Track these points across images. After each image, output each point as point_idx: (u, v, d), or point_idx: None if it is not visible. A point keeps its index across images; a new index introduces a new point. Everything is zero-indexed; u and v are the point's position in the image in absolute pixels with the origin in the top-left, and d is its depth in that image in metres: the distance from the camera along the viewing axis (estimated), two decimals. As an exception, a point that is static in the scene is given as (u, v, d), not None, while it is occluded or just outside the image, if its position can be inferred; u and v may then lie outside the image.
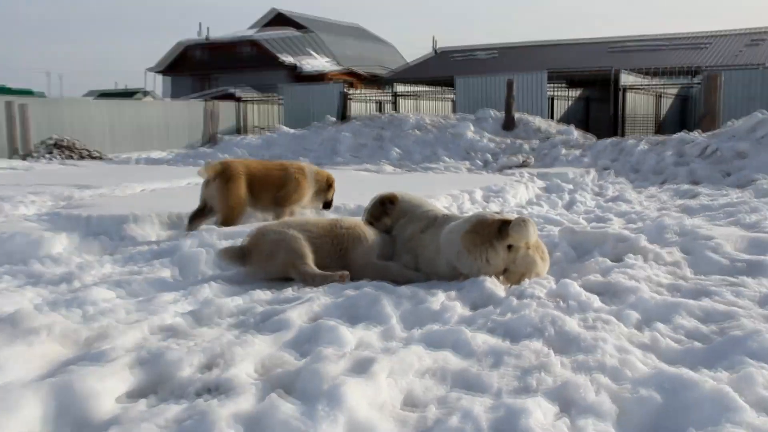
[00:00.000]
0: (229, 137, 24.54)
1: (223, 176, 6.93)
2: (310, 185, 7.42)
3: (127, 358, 3.10)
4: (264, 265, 5.03)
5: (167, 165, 19.32)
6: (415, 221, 5.28)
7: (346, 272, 4.83)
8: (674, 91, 29.97)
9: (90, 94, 60.74)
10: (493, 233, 4.63)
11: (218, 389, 2.89)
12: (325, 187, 7.55)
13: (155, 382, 3.00)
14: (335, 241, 5.16)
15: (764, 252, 5.59)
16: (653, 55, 36.71)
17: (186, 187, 11.06)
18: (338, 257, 5.12)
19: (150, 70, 55.92)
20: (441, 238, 4.88)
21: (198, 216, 7.07)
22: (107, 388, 2.83)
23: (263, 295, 4.58)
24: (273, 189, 7.16)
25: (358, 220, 5.51)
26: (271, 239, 5.04)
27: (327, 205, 7.61)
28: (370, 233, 5.23)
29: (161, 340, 3.58)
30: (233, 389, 2.85)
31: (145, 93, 59.62)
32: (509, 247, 4.64)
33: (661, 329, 3.70)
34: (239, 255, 5.15)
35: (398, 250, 5.28)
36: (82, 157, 22.30)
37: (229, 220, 6.86)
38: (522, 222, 4.56)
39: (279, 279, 4.97)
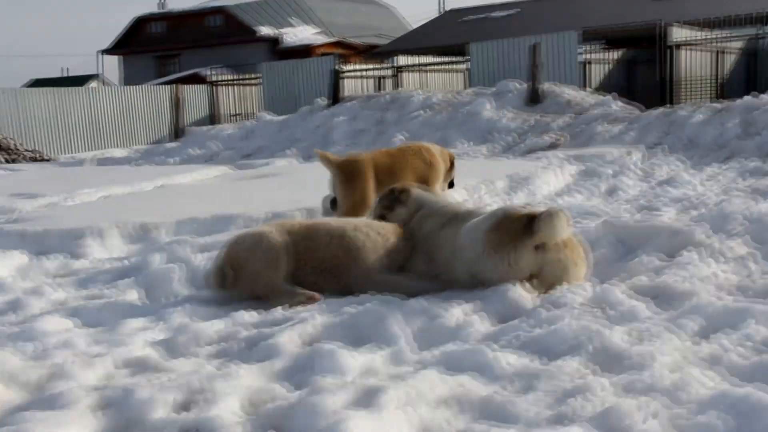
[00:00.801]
0: (200, 128, 24.60)
1: (346, 174, 7.45)
2: (442, 164, 8.02)
3: (88, 400, 3.15)
4: (244, 281, 5.12)
5: (130, 165, 19.41)
6: (434, 216, 5.31)
7: (317, 295, 4.88)
8: (739, 45, 29.81)
9: (35, 84, 60.87)
10: (520, 230, 4.66)
11: (202, 431, 2.94)
12: (450, 165, 8.16)
13: (124, 427, 3.05)
14: (325, 247, 5.23)
15: None
16: (711, 0, 36.54)
17: (154, 192, 11.13)
18: (331, 267, 5.18)
19: (103, 52, 56.01)
20: (459, 237, 4.92)
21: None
22: (67, 437, 2.88)
23: (248, 316, 4.62)
24: (405, 177, 7.53)
25: (360, 221, 5.55)
26: (246, 247, 5.12)
27: (452, 184, 8.37)
28: (373, 237, 5.26)
29: (129, 376, 3.63)
30: (219, 430, 2.90)
31: (103, 79, 59.75)
32: (537, 247, 4.67)
33: (725, 341, 3.71)
34: (223, 276, 5.21)
35: (416, 251, 5.33)
36: (27, 160, 22.42)
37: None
38: (551, 214, 4.59)
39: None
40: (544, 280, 4.73)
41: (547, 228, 4.57)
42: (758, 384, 3.15)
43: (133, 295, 5.40)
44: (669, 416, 2.88)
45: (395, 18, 65.92)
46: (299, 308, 4.75)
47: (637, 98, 24.59)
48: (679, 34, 26.09)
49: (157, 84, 39.26)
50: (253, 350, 3.91)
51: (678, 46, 25.47)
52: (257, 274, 5.02)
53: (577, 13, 38.99)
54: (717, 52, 27.66)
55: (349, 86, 29.60)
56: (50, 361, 3.85)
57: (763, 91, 16.76)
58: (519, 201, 9.10)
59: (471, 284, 4.81)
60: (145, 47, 53.64)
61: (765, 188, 9.04)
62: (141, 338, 4.24)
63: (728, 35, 27.70)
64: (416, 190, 5.65)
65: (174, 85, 27.76)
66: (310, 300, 4.84)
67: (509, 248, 4.65)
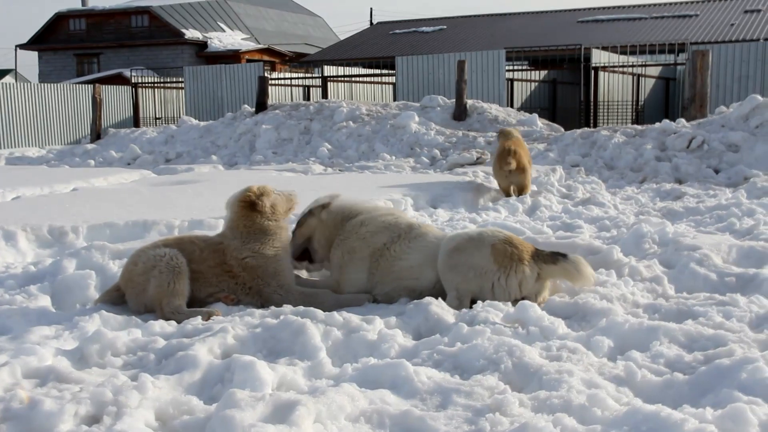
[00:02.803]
0: (121, 131, 24.11)
1: (521, 164, 10.79)
2: None
3: (-8, 411, 3.04)
4: (137, 299, 5.07)
5: (46, 166, 18.88)
6: (379, 233, 5.38)
7: (213, 312, 4.83)
8: (656, 71, 30.90)
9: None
10: (530, 253, 5.01)
11: (108, 445, 2.87)
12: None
13: (29, 440, 2.96)
14: (224, 265, 5.18)
15: (759, 264, 5.81)
16: (631, 28, 37.77)
17: (72, 194, 10.84)
18: (237, 285, 5.16)
19: (20, 46, 54.40)
20: (450, 246, 5.10)
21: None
22: (-32, 449, 2.77)
23: (164, 326, 4.55)
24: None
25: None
26: (143, 267, 5.04)
27: None
28: (279, 249, 5.23)
29: (37, 386, 3.53)
30: (127, 445, 2.84)
31: (17, 75, 57.98)
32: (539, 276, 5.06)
33: (637, 359, 3.82)
34: (118, 295, 5.20)
35: (336, 264, 5.42)
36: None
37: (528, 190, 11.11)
38: (582, 262, 5.03)
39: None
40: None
41: (577, 272, 4.99)
42: (667, 401, 3.26)
43: (44, 301, 5.24)
44: (582, 433, 2.93)
45: (324, 28, 66.01)
46: (216, 318, 4.70)
47: (559, 119, 25.22)
48: (600, 57, 26.83)
49: (76, 83, 38.36)
50: (168, 361, 3.83)
51: (599, 69, 26.16)
52: (153, 300, 4.95)
53: (502, 33, 39.76)
54: (636, 77, 28.54)
55: (276, 94, 29.50)
56: (-48, 369, 3.69)
57: (676, 117, 17.38)
58: (442, 216, 9.19)
59: (433, 292, 5.07)
60: (65, 44, 52.30)
61: (677, 211, 9.35)
62: (51, 346, 4.11)
63: (646, 62, 28.64)
64: (334, 207, 5.66)
65: (94, 85, 27.12)
66: (209, 316, 4.78)
67: (517, 265, 4.97)
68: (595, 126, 23.79)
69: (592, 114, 25.81)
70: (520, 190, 11.02)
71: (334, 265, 5.49)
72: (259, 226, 5.21)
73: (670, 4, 42.36)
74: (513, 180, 10.96)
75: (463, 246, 5.08)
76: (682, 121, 16.28)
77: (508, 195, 10.97)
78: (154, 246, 5.22)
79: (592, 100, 25.99)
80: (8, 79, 55.19)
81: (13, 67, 62.06)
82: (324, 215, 5.60)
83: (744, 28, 34.89)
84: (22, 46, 54.12)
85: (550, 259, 5.04)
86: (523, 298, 4.90)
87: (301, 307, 4.73)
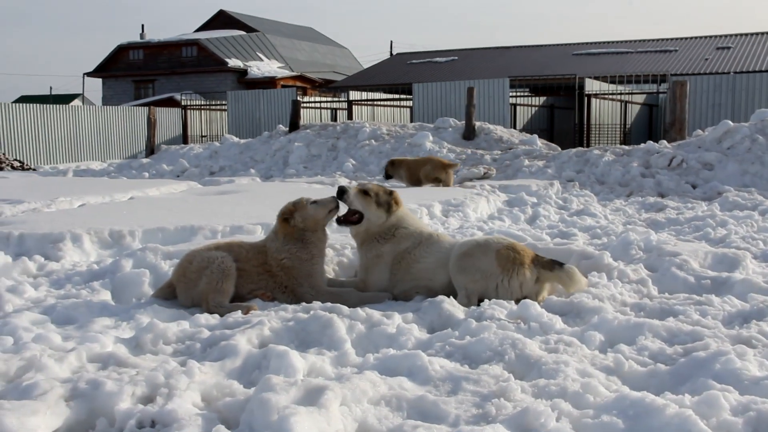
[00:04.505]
0: (172, 147, 24.26)
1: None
2: None
3: (60, 390, 3.06)
4: (187, 293, 5.09)
5: (107, 177, 19.03)
6: (404, 240, 5.39)
7: (252, 307, 4.85)
8: (641, 98, 30.74)
9: (22, 100, 59.39)
10: (530, 258, 5.02)
11: (161, 422, 2.88)
12: None
13: (93, 416, 2.97)
14: (265, 265, 5.21)
15: (731, 268, 5.80)
16: (619, 60, 37.58)
17: (128, 202, 10.92)
18: (275, 284, 5.18)
19: (87, 74, 54.93)
20: (460, 251, 5.12)
21: None
22: (39, 425, 2.79)
23: (209, 319, 4.57)
24: None
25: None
26: (197, 266, 5.06)
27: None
28: (314, 254, 5.24)
29: (99, 369, 3.55)
30: (177, 421, 2.85)
31: (84, 99, 58.52)
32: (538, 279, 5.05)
33: (624, 351, 3.81)
34: (170, 291, 5.23)
35: (364, 265, 5.43)
36: (13, 169, 21.81)
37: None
38: (575, 272, 5.06)
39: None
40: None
41: (571, 279, 5.03)
42: (651, 389, 3.27)
43: (105, 296, 5.28)
44: (576, 416, 2.92)
45: (350, 57, 66.17)
46: (254, 312, 4.72)
47: (556, 139, 25.11)
48: (592, 86, 26.75)
49: (134, 105, 38.67)
50: (212, 349, 3.85)
51: (591, 96, 26.07)
52: (202, 295, 4.97)
53: (506, 63, 39.71)
54: (623, 103, 28.41)
55: (307, 116, 29.59)
56: (28, 353, 3.72)
57: (659, 139, 17.34)
58: (453, 224, 9.17)
59: (445, 291, 5.06)
60: (125, 72, 52.77)
61: (660, 221, 9.29)
62: (111, 335, 4.14)
63: (632, 90, 28.53)
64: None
65: (149, 107, 27.33)
66: (248, 310, 4.79)
67: (518, 268, 4.98)
68: (588, 146, 23.69)
69: (585, 135, 25.71)
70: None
71: (362, 266, 5.50)
72: (295, 234, 5.24)
73: (653, 40, 42.28)
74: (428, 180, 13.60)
75: (472, 251, 5.08)
76: (664, 142, 16.20)
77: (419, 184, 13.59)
78: (208, 248, 5.25)
79: (585, 122, 25.89)
80: (76, 102, 55.78)
81: (81, 92, 62.64)
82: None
83: (717, 62, 34.79)
84: (89, 74, 54.65)
85: (548, 265, 5.05)
86: (524, 298, 4.88)
87: (329, 304, 4.74)
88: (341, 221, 5.40)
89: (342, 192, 5.34)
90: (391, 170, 14.49)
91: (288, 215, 5.26)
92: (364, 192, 5.38)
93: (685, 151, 14.99)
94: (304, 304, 4.90)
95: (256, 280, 5.18)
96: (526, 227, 9.03)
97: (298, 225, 5.23)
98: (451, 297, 4.85)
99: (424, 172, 14.00)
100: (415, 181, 13.90)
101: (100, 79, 54.17)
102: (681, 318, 4.41)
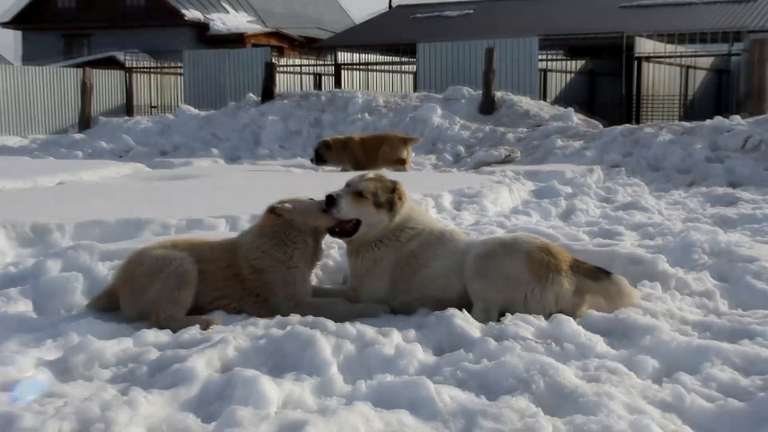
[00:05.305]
0: (113, 120, 24.22)
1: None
2: None
3: (-37, 427, 3.04)
4: (132, 303, 5.06)
5: (28, 157, 18.99)
6: (408, 241, 5.38)
7: (213, 321, 4.84)
8: (707, 62, 30.73)
9: None
10: (569, 263, 5.02)
11: (94, 466, 2.87)
12: None
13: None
14: (233, 267, 5.21)
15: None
16: (680, 14, 37.59)
17: (57, 189, 10.89)
18: (244, 292, 5.18)
19: (1, 25, 54.77)
20: (480, 251, 5.10)
21: None
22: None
23: (158, 336, 4.55)
24: None
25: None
26: (148, 268, 5.03)
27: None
28: (294, 256, 5.23)
29: (14, 400, 3.52)
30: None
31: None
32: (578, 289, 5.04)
33: (686, 382, 3.79)
34: (110, 301, 5.19)
35: (356, 272, 5.45)
36: None
37: None
38: (624, 283, 5.07)
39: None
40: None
41: (619, 293, 5.02)
42: (721, 430, 3.26)
43: (23, 306, 5.25)
44: (624, 465, 2.91)
45: (339, 10, 66.15)
46: (215, 327, 4.70)
47: (598, 114, 25.11)
48: (645, 46, 26.71)
49: (63, 66, 38.58)
50: (162, 374, 3.83)
51: (644, 59, 26.05)
52: (153, 305, 4.94)
53: (536, 18, 39.64)
54: (685, 68, 28.40)
55: (283, 82, 29.55)
56: None
57: (731, 114, 17.20)
58: (467, 220, 9.16)
59: (458, 303, 5.01)
60: (52, 23, 52.58)
61: (731, 218, 9.29)
62: (32, 356, 4.11)
63: (697, 51, 28.48)
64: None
65: (83, 69, 27.25)
66: (207, 325, 4.78)
67: (555, 276, 4.95)
68: (638, 122, 23.70)
69: (634, 109, 25.74)
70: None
71: (354, 273, 5.48)
72: (280, 229, 5.24)
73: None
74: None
75: (495, 252, 5.07)
76: (737, 117, 16.18)
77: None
78: (162, 246, 5.23)
79: (635, 93, 25.91)
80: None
81: (-5, 49, 62.51)
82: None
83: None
84: (4, 25, 54.49)
85: (591, 274, 5.03)
86: (558, 312, 4.87)
87: (310, 318, 4.73)
88: (335, 232, 5.39)
89: (331, 202, 5.28)
90: (327, 154, 14.39)
91: (280, 209, 5.26)
92: (358, 195, 5.34)
93: (765, 129, 14.98)
94: (279, 317, 4.89)
95: (220, 286, 5.17)
96: (559, 224, 9.04)
97: (284, 214, 5.21)
98: (464, 310, 4.83)
99: (383, 154, 13.95)
100: (366, 167, 13.47)
101: (19, 32, 54.01)
102: (759, 341, 4.39)
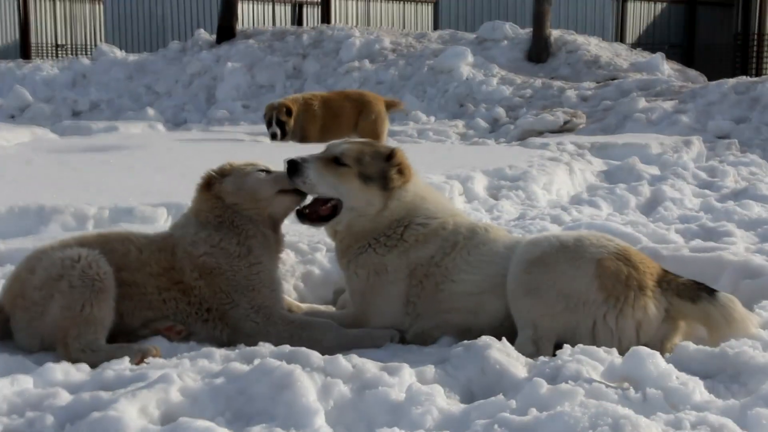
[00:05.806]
0: (1, 64, 24.22)
1: None
2: None
3: None
4: (29, 326, 5.08)
5: None
6: (423, 241, 5.41)
7: (150, 351, 4.87)
8: None
9: None
10: (656, 277, 5.07)
11: None
12: None
13: None
14: (172, 272, 5.27)
15: None
16: None
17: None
18: (190, 306, 5.23)
19: None
20: (528, 256, 5.13)
21: None
22: None
23: (70, 372, 4.58)
24: None
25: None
26: (44, 277, 5.04)
27: None
28: (253, 248, 5.28)
29: None
30: None
31: None
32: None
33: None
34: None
35: (357, 289, 5.47)
36: None
37: None
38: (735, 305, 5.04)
39: None
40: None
41: (729, 321, 5.00)
42: None
43: None
44: None
45: None
46: (152, 360, 4.74)
47: (698, 62, 25.07)
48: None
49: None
50: (75, 427, 3.86)
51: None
52: (56, 329, 4.97)
53: None
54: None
55: (248, 15, 29.52)
56: None
57: None
58: (509, 212, 9.18)
59: (498, 332, 5.01)
60: None
61: None
62: None
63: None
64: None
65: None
66: (142, 357, 4.82)
67: (637, 294, 5.00)
68: (758, 74, 23.68)
69: (754, 55, 25.66)
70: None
71: (353, 291, 5.52)
72: (223, 214, 5.28)
73: None
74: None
75: (551, 258, 5.08)
76: None
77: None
78: (63, 245, 5.26)
79: (755, 32, 25.84)
80: None
81: None
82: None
83: None
84: None
85: (688, 292, 5.05)
86: (638, 344, 4.90)
87: (287, 347, 4.75)
88: (305, 215, 5.37)
89: (295, 168, 5.22)
90: (290, 122, 14.45)
91: (213, 180, 5.29)
92: (334, 160, 5.31)
93: None
94: (242, 346, 4.92)
95: (155, 302, 5.20)
96: (641, 219, 9.04)
97: (226, 198, 5.25)
98: (504, 339, 4.85)
99: (365, 123, 14.10)
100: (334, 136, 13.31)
101: None
102: None
